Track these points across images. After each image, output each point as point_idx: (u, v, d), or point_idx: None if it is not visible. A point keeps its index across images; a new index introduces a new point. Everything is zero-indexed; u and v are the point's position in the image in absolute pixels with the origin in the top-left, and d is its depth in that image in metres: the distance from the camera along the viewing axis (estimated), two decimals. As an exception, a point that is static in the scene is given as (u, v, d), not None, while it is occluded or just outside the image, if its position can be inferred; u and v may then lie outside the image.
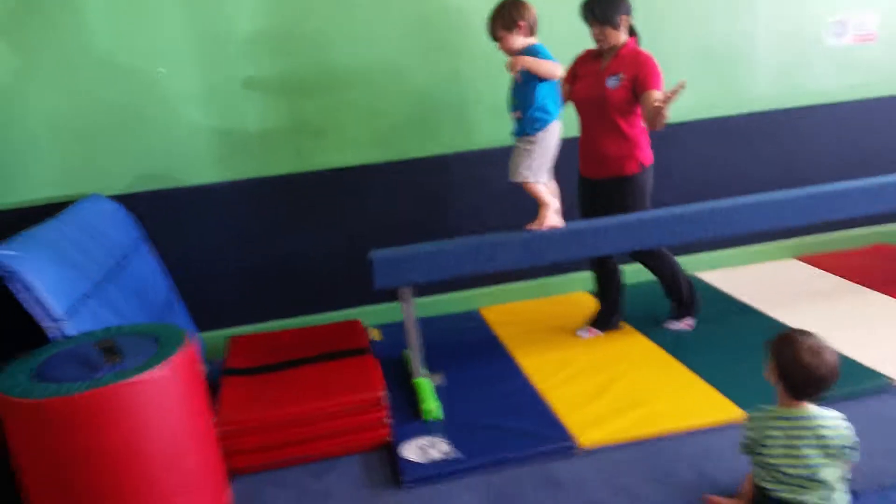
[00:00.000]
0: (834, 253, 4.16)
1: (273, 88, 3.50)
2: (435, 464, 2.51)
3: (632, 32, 3.12)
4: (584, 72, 3.15)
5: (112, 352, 2.15)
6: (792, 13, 3.87)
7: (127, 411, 1.99)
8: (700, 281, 3.97)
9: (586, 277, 3.94)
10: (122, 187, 3.44)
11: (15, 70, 3.25)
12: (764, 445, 2.02)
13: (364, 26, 3.48)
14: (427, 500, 2.37)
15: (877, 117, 4.09)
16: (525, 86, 2.81)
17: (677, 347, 3.18)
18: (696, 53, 3.83)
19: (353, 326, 3.39)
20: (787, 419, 2.01)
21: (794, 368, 1.98)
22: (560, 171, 3.05)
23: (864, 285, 3.67)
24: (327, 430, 2.64)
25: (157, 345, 2.20)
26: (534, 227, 2.92)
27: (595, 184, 3.22)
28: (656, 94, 2.92)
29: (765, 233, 3.88)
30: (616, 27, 3.01)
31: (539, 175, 2.88)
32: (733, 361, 3.00)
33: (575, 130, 3.22)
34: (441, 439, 2.65)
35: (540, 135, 2.83)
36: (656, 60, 3.00)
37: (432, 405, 2.81)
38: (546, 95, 2.81)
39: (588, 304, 3.74)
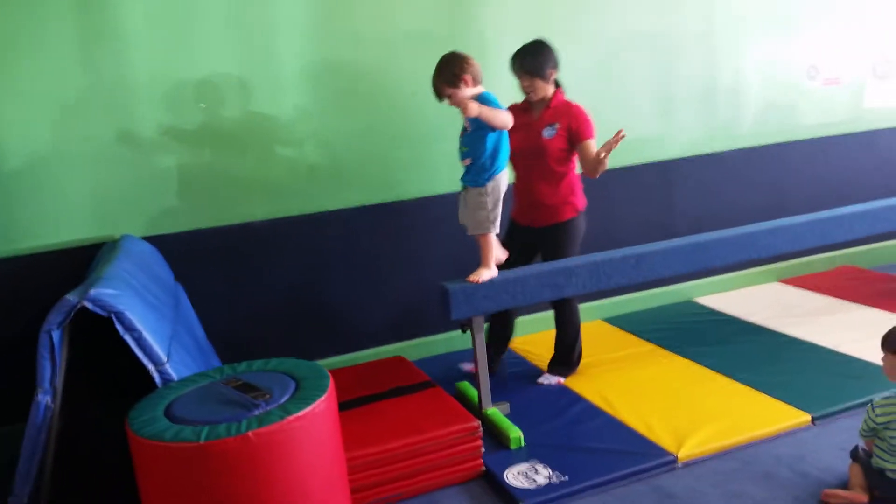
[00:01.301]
0: (809, 275, 4.57)
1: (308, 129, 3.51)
2: (546, 488, 2.53)
3: (557, 85, 3.22)
4: (517, 124, 3.18)
5: (254, 389, 2.05)
6: (777, 58, 4.35)
7: (298, 447, 1.90)
8: (701, 305, 4.25)
9: (596, 307, 4.15)
10: (139, 229, 3.29)
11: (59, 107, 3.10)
12: (889, 429, 2.22)
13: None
14: (554, 523, 2.39)
15: (839, 152, 4.59)
16: (475, 133, 2.83)
17: (718, 364, 3.36)
18: (699, 94, 4.20)
19: (401, 363, 3.36)
20: None
21: None
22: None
23: (848, 300, 4.06)
24: (428, 463, 2.60)
25: (294, 381, 2.12)
26: (473, 279, 2.89)
27: (529, 231, 3.30)
28: (593, 144, 3.09)
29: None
30: (546, 80, 3.13)
31: (493, 226, 2.88)
32: (776, 373, 3.23)
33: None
34: (540, 464, 2.68)
35: (490, 185, 2.82)
36: (586, 110, 3.15)
37: (518, 433, 2.83)
38: (496, 144, 2.82)
39: (605, 333, 3.94)
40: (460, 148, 2.92)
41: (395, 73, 3.57)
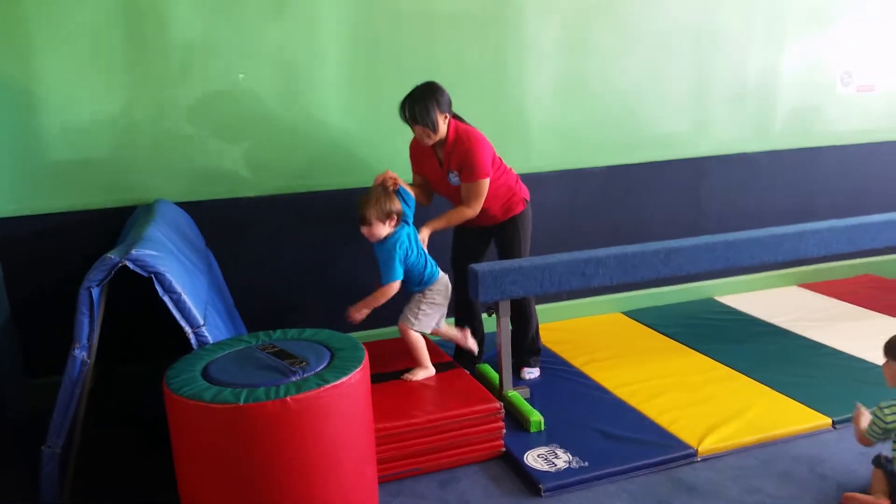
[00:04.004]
0: (829, 281, 4.56)
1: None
2: (566, 472, 2.55)
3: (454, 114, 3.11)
4: (428, 168, 3.19)
5: (290, 356, 2.08)
6: (812, 62, 4.32)
7: (334, 415, 1.93)
8: (721, 304, 4.26)
9: (614, 300, 4.17)
10: (172, 195, 3.32)
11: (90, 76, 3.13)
12: None
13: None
14: (573, 507, 2.42)
15: (871, 160, 4.58)
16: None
17: (738, 363, 3.38)
18: (733, 94, 4.20)
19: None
20: None
21: None
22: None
23: (869, 308, 4.06)
24: (450, 440, 2.64)
25: (329, 351, 2.14)
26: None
27: (479, 230, 3.29)
28: (477, 186, 3.02)
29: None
30: (436, 126, 2.97)
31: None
32: (796, 375, 3.24)
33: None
34: (560, 449, 2.70)
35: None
36: (478, 146, 3.02)
37: (539, 416, 2.86)
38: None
39: (624, 327, 3.96)
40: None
41: (434, 52, 3.57)
